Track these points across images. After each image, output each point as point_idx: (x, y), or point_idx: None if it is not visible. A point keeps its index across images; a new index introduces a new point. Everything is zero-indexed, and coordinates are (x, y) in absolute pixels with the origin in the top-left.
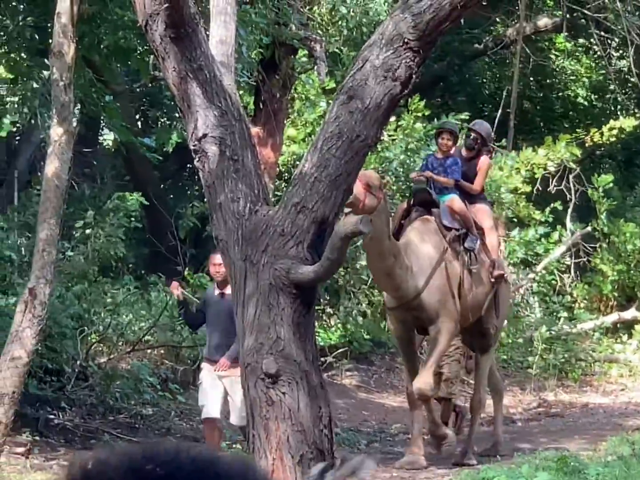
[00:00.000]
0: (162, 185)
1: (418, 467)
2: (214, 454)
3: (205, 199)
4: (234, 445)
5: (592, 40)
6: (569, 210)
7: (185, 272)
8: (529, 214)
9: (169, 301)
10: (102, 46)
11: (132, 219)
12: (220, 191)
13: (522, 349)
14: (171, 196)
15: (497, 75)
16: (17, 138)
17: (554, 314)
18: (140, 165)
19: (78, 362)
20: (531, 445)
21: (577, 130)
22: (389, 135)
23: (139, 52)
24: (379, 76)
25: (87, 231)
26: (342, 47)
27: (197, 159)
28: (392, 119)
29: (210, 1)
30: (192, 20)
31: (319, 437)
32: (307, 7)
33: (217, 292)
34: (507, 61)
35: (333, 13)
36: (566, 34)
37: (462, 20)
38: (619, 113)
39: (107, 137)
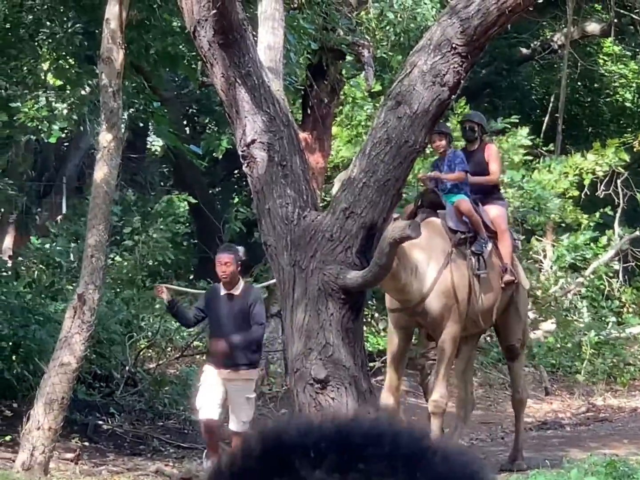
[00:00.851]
0: (210, 191)
1: None
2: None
3: (252, 205)
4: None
5: None
6: (617, 215)
7: None
8: (577, 219)
9: None
10: (150, 52)
11: (180, 224)
12: (268, 197)
13: (570, 354)
14: (219, 202)
15: (545, 80)
16: (66, 144)
17: (603, 318)
18: (189, 171)
19: (127, 368)
20: (580, 450)
21: (625, 134)
22: None
23: (187, 58)
24: (427, 81)
25: (136, 237)
26: (389, 52)
27: (245, 165)
28: None
29: (258, 7)
30: (241, 26)
31: None
32: (355, 13)
33: (223, 292)
34: (555, 66)
35: (380, 18)
36: (614, 38)
37: (509, 25)
38: None
39: (156, 144)
